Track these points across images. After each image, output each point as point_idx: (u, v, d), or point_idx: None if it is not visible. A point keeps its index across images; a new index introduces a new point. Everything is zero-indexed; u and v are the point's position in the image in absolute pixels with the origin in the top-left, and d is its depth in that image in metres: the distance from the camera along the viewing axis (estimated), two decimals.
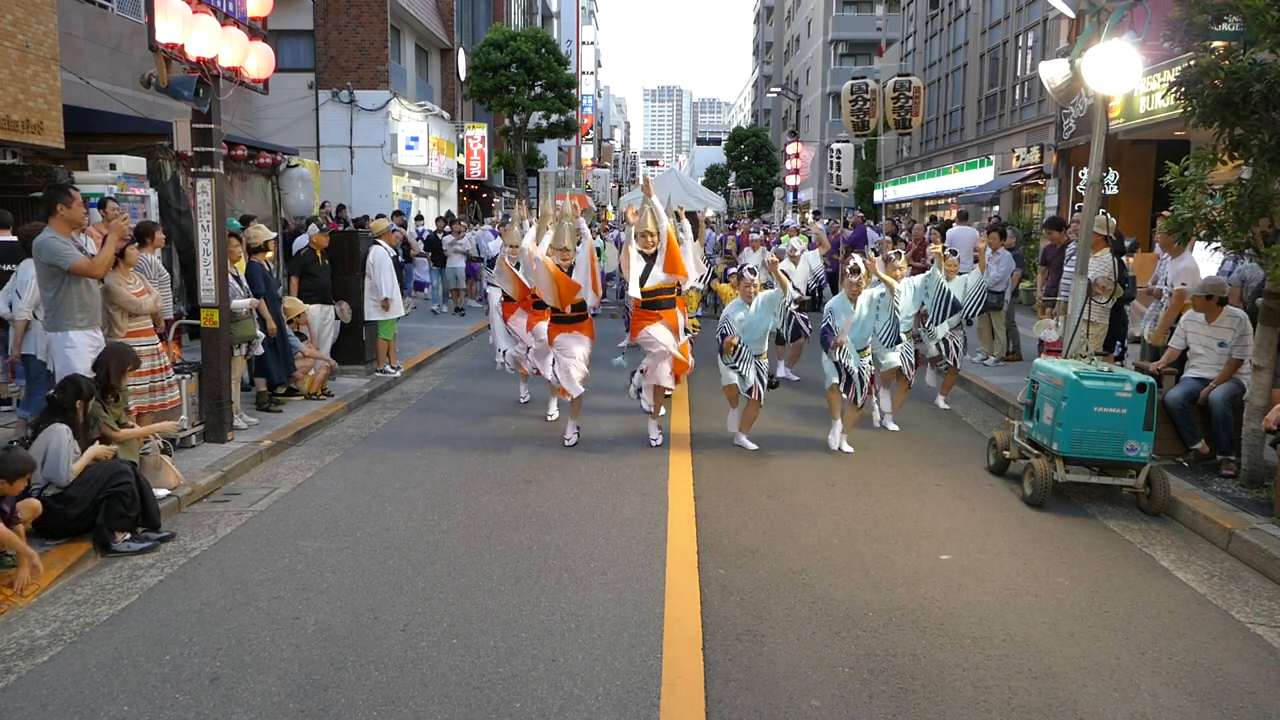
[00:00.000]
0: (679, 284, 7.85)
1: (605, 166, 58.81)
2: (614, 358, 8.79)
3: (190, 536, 5.46)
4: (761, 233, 17.57)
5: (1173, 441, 6.96)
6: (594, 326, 7.95)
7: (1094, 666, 4.01)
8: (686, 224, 8.54)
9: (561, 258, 7.59)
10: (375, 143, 23.35)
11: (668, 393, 8.23)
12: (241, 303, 7.74)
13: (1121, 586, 4.92)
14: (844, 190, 18.57)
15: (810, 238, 15.52)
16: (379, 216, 14.03)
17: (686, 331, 8.91)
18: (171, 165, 11.55)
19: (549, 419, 8.63)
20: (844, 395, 7.44)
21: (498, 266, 9.02)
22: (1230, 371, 6.82)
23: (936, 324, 8.78)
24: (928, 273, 8.98)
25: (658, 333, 7.54)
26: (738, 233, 19.58)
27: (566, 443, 7.66)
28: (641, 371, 7.83)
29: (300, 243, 10.89)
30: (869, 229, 17.94)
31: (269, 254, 8.86)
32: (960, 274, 9.25)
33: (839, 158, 18.19)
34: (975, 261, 9.29)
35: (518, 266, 8.42)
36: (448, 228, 18.09)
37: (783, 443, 7.86)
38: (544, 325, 8.06)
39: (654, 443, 7.67)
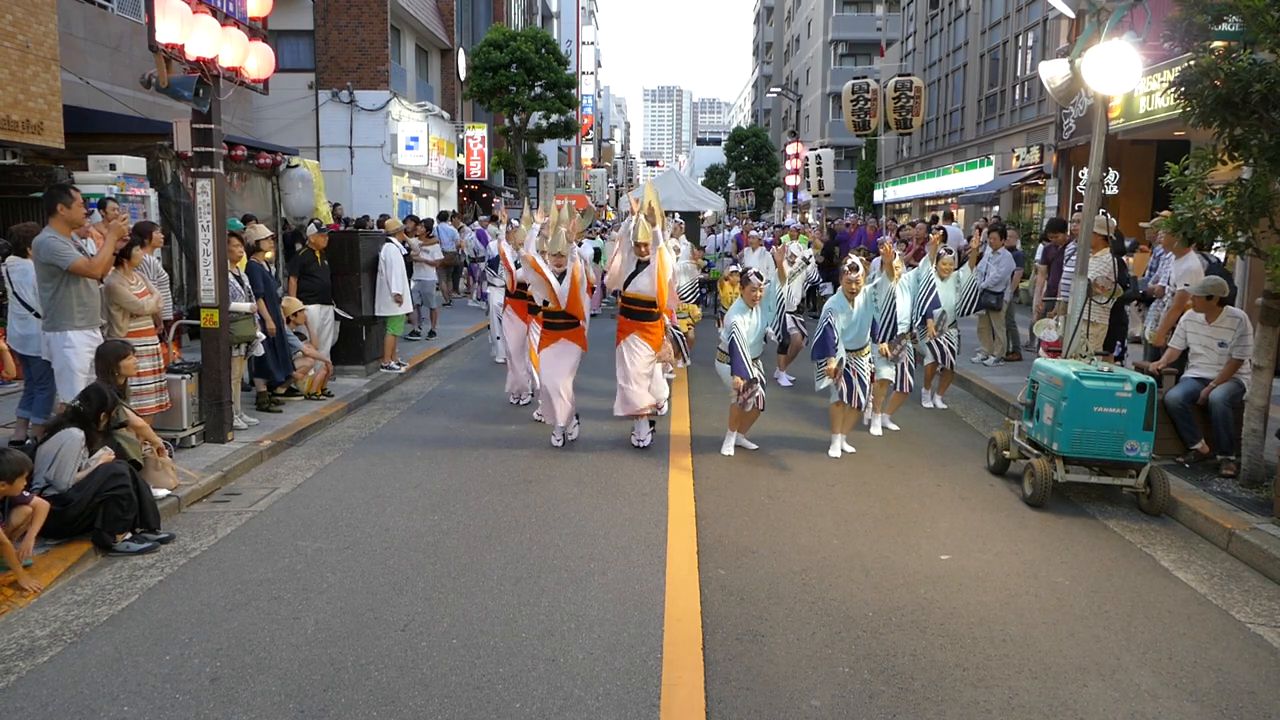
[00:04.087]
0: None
1: (603, 166, 58.80)
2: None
3: (190, 537, 5.46)
4: (761, 232, 17.60)
5: (1173, 441, 6.96)
6: (585, 334, 7.82)
7: (1094, 666, 4.01)
8: (681, 245, 8.45)
9: (555, 263, 7.60)
10: (375, 143, 23.36)
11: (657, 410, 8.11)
12: (243, 305, 7.75)
13: (1121, 586, 4.92)
14: (827, 195, 18.58)
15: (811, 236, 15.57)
16: (385, 217, 14.08)
17: (681, 358, 8.83)
18: (172, 165, 11.56)
19: (536, 418, 8.61)
20: (846, 404, 7.39)
21: (494, 250, 9.11)
22: (1230, 371, 6.82)
23: (918, 320, 8.75)
24: (918, 266, 8.99)
25: (629, 357, 7.42)
26: (736, 229, 19.58)
27: (553, 443, 7.67)
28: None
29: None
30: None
31: (268, 254, 8.87)
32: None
33: (820, 163, 18.22)
34: (963, 263, 9.28)
35: (517, 266, 8.52)
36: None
37: (783, 443, 7.86)
38: (546, 343, 7.83)
39: (642, 443, 7.66)
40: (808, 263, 11.67)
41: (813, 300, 15.34)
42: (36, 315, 6.55)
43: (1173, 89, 6.17)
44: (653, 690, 3.73)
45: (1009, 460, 6.92)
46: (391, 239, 10.86)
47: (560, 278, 7.53)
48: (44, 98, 10.33)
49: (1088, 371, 6.14)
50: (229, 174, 12.26)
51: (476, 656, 3.98)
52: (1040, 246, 12.17)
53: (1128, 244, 9.63)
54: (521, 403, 9.40)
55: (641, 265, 7.47)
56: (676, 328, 9.63)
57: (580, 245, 7.93)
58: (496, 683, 3.77)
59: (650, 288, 7.44)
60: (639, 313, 7.57)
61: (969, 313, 9.31)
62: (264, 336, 8.16)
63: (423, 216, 22.16)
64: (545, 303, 7.74)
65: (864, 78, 15.94)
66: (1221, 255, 8.37)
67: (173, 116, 11.47)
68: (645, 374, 7.52)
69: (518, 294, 8.85)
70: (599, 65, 77.63)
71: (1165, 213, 7.40)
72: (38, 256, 5.96)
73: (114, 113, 12.66)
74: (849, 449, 7.59)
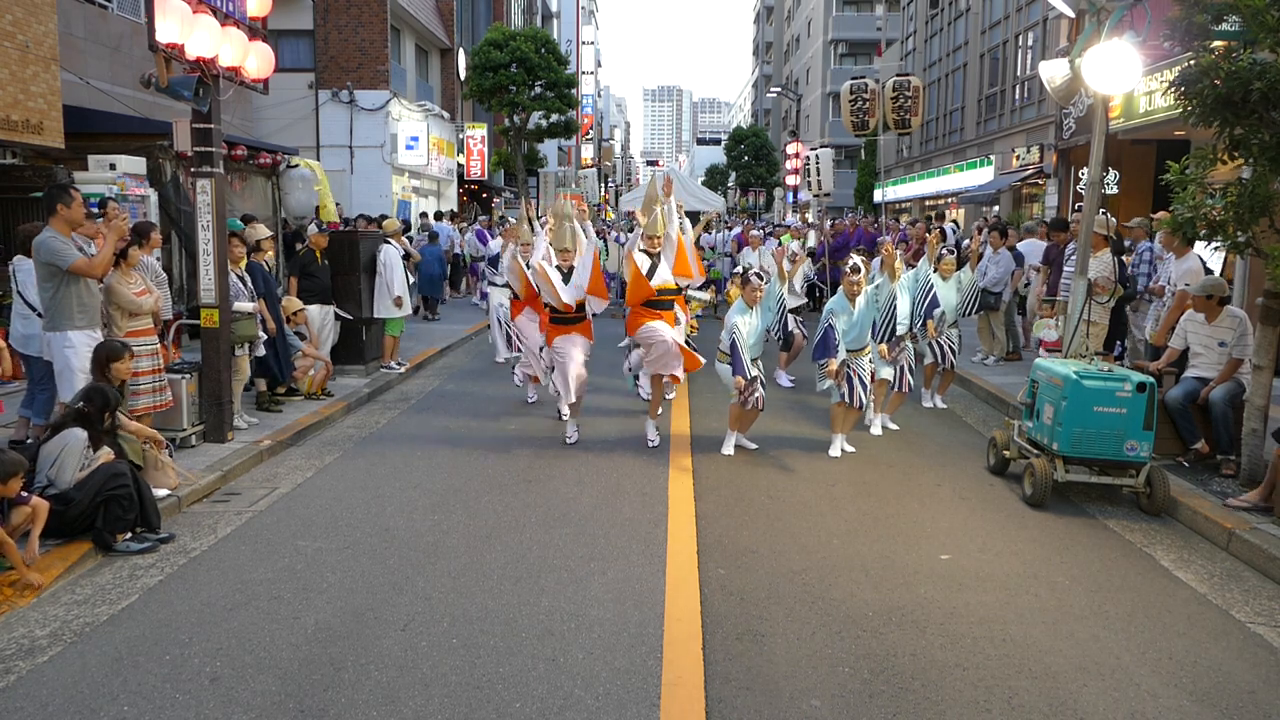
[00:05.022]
0: (680, 286, 7.82)
1: (591, 167, 58.84)
2: (626, 385, 8.72)
3: (190, 536, 5.46)
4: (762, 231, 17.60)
5: (1173, 441, 6.95)
6: (592, 328, 7.91)
7: (1094, 666, 4.01)
8: (686, 222, 8.51)
9: (562, 259, 7.62)
10: (375, 143, 23.35)
11: (668, 395, 8.17)
12: (245, 305, 7.76)
13: (1121, 586, 4.92)
14: (826, 195, 18.49)
15: (814, 237, 15.60)
16: (384, 217, 14.08)
17: (689, 337, 8.91)
18: (172, 165, 11.55)
19: (562, 418, 8.57)
20: (848, 404, 7.39)
21: (507, 264, 9.03)
22: (1230, 371, 6.81)
23: (918, 321, 8.73)
24: (918, 266, 8.97)
25: (658, 327, 7.50)
26: (736, 229, 19.59)
27: (568, 440, 7.67)
28: (637, 351, 7.78)
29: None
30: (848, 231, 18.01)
31: (268, 254, 8.87)
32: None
33: (818, 163, 18.12)
34: (964, 263, 9.25)
35: (528, 265, 8.47)
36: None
37: (783, 443, 7.86)
38: (555, 336, 7.88)
39: (651, 444, 7.67)
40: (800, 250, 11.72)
41: (815, 302, 15.34)
42: (40, 315, 6.55)
43: (1173, 89, 6.17)
44: (653, 690, 3.73)
45: (1009, 460, 6.92)
46: (390, 240, 10.85)
47: (567, 276, 7.56)
48: (44, 97, 10.32)
49: (1088, 371, 6.14)
50: (229, 174, 12.25)
51: (476, 656, 3.98)
52: (1029, 242, 12.18)
53: (1127, 244, 9.62)
54: (530, 400, 9.38)
55: (655, 260, 7.53)
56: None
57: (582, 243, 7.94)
58: (496, 682, 3.77)
59: (670, 275, 7.52)
60: (663, 302, 7.62)
61: (970, 313, 9.30)
62: (265, 336, 8.16)
63: (420, 216, 22.16)
64: (548, 306, 7.79)
65: (862, 78, 15.88)
66: (1206, 254, 8.39)
67: (173, 116, 11.46)
68: (677, 342, 7.58)
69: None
70: (599, 65, 77.59)
71: (1161, 214, 7.41)
72: (38, 256, 5.96)
73: (114, 112, 12.64)
74: (849, 449, 7.59)
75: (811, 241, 15.50)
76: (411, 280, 13.68)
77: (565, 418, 8.22)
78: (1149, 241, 9.35)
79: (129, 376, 6.05)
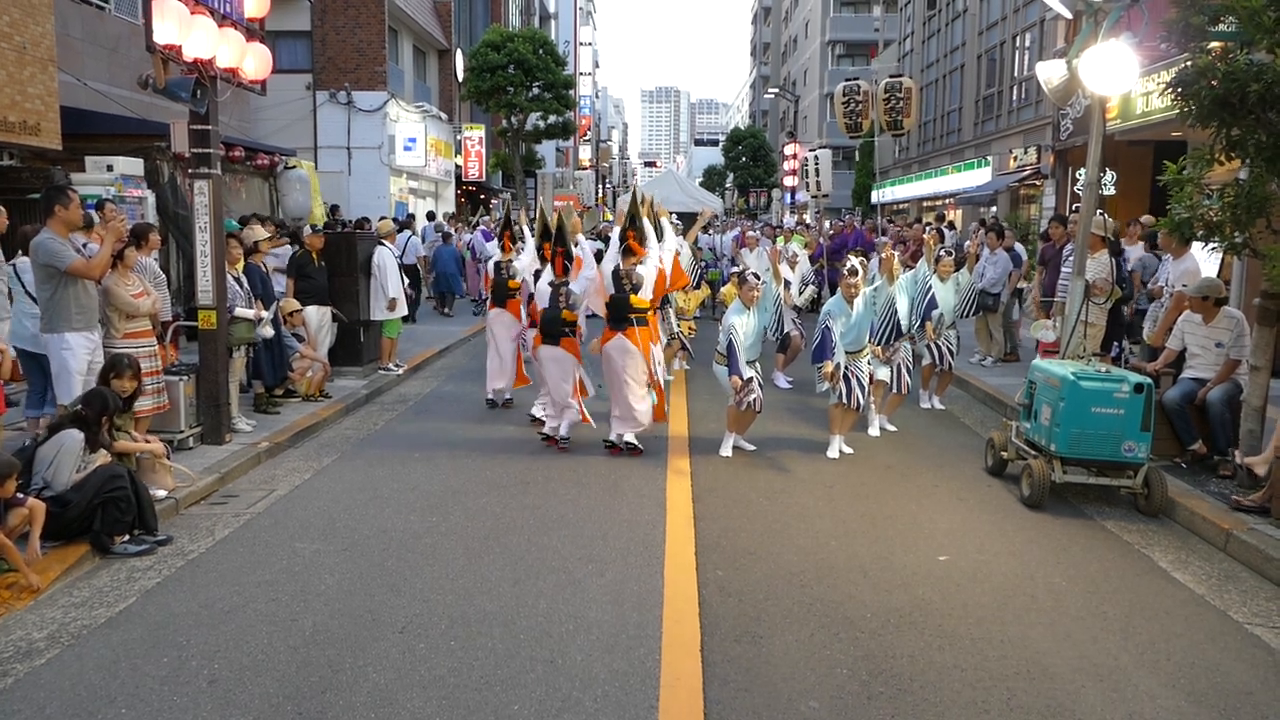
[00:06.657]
0: (651, 306, 7.65)
1: (589, 168, 58.92)
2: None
3: (188, 538, 5.45)
4: (760, 232, 17.61)
5: (1170, 442, 6.96)
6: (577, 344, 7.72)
7: (1092, 667, 4.01)
8: (669, 241, 8.40)
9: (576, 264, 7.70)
10: (373, 144, 23.33)
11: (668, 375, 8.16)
12: (246, 312, 7.75)
13: (1119, 587, 4.92)
14: (825, 196, 18.47)
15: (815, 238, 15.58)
16: (382, 219, 14.08)
17: (687, 338, 8.88)
18: (169, 166, 11.54)
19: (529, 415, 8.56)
20: (846, 405, 7.39)
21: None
22: (1227, 372, 6.82)
23: (917, 322, 8.73)
24: (915, 267, 8.97)
25: (625, 372, 7.42)
26: (735, 230, 19.59)
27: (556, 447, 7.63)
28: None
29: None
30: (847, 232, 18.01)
31: (266, 255, 8.87)
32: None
33: (817, 164, 18.12)
34: (961, 265, 9.25)
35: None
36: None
37: (781, 444, 7.86)
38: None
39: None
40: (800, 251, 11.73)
41: (813, 303, 15.33)
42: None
43: (1170, 90, 6.17)
44: (651, 691, 3.73)
45: (1007, 461, 6.92)
46: (384, 242, 10.80)
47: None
48: (41, 99, 10.31)
49: (1085, 372, 6.14)
50: (226, 175, 12.23)
51: (475, 658, 3.98)
52: (1040, 246, 12.17)
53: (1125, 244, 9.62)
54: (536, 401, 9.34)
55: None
56: (678, 329, 9.65)
57: (577, 245, 7.93)
58: (495, 684, 3.77)
59: (648, 295, 7.44)
60: (630, 318, 7.45)
61: (968, 315, 9.30)
62: (267, 334, 8.14)
63: (428, 216, 22.09)
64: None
65: (856, 79, 15.86)
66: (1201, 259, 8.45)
67: (170, 117, 11.44)
68: (641, 384, 7.48)
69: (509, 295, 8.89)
70: (597, 66, 77.62)
71: (1146, 217, 7.40)
72: (35, 258, 5.96)
73: (111, 114, 12.63)
74: (847, 450, 7.59)
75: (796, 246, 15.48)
76: (406, 282, 13.69)
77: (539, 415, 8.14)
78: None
79: (127, 394, 6.02)
